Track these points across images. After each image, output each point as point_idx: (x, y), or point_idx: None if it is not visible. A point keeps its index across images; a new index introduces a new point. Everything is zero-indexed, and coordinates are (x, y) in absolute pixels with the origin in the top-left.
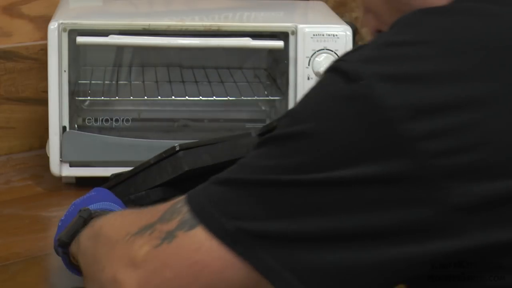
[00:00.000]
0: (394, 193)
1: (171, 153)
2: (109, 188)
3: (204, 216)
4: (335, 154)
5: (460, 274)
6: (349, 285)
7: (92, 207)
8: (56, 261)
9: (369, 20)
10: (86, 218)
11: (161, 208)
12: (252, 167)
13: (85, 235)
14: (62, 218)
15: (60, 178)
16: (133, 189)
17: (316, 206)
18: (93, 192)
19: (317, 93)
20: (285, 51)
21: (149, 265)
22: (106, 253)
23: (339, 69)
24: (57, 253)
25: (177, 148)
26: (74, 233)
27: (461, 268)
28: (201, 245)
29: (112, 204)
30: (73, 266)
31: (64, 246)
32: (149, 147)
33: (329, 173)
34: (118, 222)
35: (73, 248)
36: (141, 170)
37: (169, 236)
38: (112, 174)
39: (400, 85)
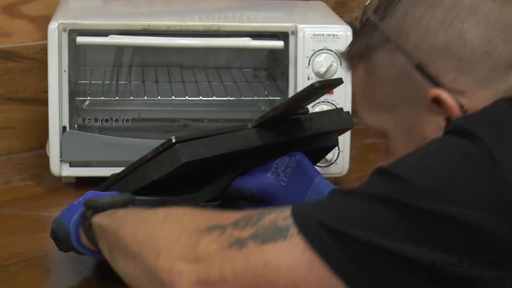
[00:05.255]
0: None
1: (167, 145)
2: (108, 186)
3: (303, 225)
4: (447, 191)
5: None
6: None
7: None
8: (56, 261)
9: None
10: (128, 200)
11: (236, 214)
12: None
13: (137, 212)
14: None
15: (60, 178)
16: (131, 185)
17: (420, 233)
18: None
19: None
20: (285, 51)
21: (212, 262)
22: (167, 239)
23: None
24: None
25: (174, 140)
26: (113, 205)
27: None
28: (270, 261)
29: None
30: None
31: (97, 210)
32: (149, 147)
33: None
34: (187, 216)
35: (97, 218)
36: (139, 165)
37: (240, 242)
38: (112, 174)
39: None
